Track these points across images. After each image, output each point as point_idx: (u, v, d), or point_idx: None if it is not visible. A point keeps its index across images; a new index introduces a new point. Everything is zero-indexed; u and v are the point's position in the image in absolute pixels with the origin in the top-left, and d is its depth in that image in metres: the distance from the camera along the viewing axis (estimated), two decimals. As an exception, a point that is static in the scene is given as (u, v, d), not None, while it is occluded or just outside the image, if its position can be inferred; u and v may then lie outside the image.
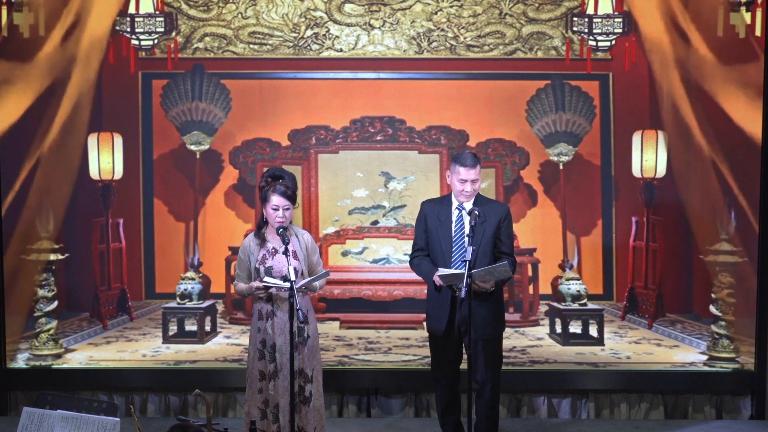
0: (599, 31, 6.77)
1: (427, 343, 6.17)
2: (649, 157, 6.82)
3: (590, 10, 6.76)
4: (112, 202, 6.90)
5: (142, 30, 6.82)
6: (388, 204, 6.93)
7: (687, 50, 6.71)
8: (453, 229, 5.78)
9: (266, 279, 5.46)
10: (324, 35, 6.84)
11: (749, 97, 6.68)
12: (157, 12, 6.82)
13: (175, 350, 6.94)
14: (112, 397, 6.90)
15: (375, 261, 6.98)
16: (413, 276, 6.30)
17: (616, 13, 6.76)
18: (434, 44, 6.83)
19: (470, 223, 5.62)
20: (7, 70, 6.77)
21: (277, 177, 5.58)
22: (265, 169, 5.98)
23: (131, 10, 6.80)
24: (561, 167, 6.88)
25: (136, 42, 6.82)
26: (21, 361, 6.91)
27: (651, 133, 6.83)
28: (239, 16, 6.84)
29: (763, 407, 6.80)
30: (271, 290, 5.50)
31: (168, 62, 6.86)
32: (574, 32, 6.80)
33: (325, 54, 6.84)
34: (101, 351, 6.93)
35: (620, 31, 6.77)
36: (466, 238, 5.60)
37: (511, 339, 6.81)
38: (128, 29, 6.81)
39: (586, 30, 6.78)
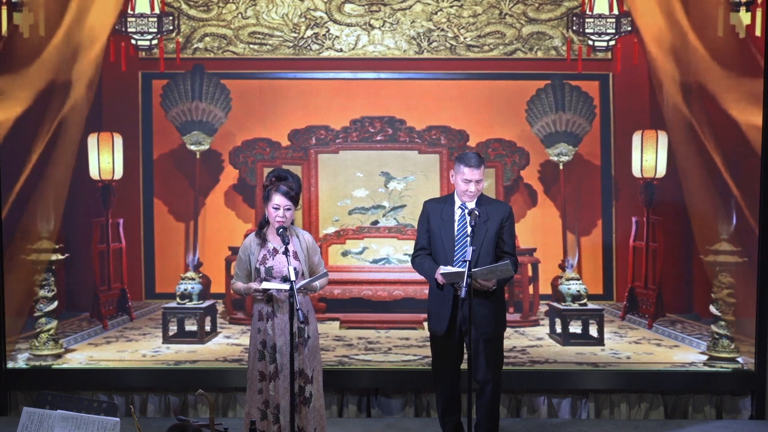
0: (599, 31, 6.78)
1: (428, 343, 6.17)
2: (649, 157, 6.82)
3: (590, 11, 6.76)
4: (112, 202, 6.90)
5: (141, 30, 6.81)
6: (388, 204, 6.94)
7: (687, 50, 6.72)
8: (455, 228, 5.79)
9: (265, 282, 5.46)
10: (324, 35, 6.84)
11: (749, 97, 6.69)
12: (157, 12, 6.82)
13: (175, 350, 6.94)
14: (112, 397, 6.90)
15: (375, 261, 6.98)
16: (413, 276, 6.30)
17: (616, 13, 6.76)
18: (434, 44, 6.83)
19: (470, 223, 5.62)
20: (7, 71, 6.77)
21: (281, 177, 5.58)
22: (268, 170, 5.98)
23: (132, 10, 6.80)
24: (561, 167, 6.88)
25: (138, 42, 6.82)
26: (21, 361, 6.91)
27: (651, 133, 6.83)
28: (239, 16, 6.85)
29: (763, 407, 6.81)
30: (270, 291, 5.50)
31: (167, 62, 6.85)
32: (574, 32, 6.80)
33: (325, 54, 6.84)
34: (101, 351, 6.93)
35: (620, 30, 6.77)
36: (468, 238, 5.60)
37: (511, 339, 6.81)
38: (128, 29, 6.81)
39: (585, 30, 6.78)
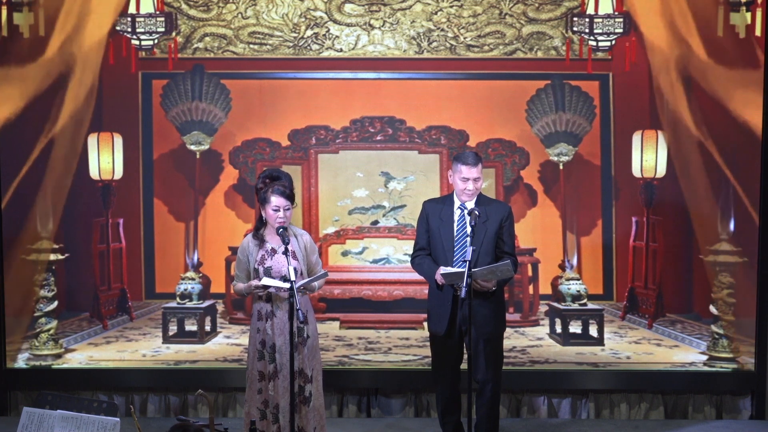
0: (599, 31, 6.78)
1: (427, 343, 6.17)
2: (649, 157, 6.82)
3: (590, 10, 6.77)
4: (112, 202, 6.90)
5: (142, 30, 6.82)
6: (388, 204, 6.94)
7: (687, 50, 6.71)
8: (455, 228, 5.79)
9: (265, 279, 5.46)
10: (324, 35, 6.84)
11: (749, 97, 6.68)
12: (157, 12, 6.82)
13: (175, 350, 6.94)
14: (112, 397, 6.90)
15: (375, 261, 6.98)
16: (413, 276, 6.30)
17: (616, 13, 6.76)
18: (434, 44, 6.83)
19: (470, 223, 5.63)
20: (7, 71, 6.77)
21: (274, 178, 5.58)
22: (264, 169, 5.98)
23: (131, 10, 6.80)
24: (561, 167, 6.88)
25: (137, 42, 6.82)
26: (21, 361, 6.91)
27: (651, 133, 6.83)
28: (239, 16, 6.85)
29: (763, 407, 6.80)
30: (270, 290, 5.50)
31: (168, 62, 6.86)
32: (574, 32, 6.80)
33: (325, 54, 6.84)
34: (101, 351, 6.93)
35: (620, 31, 6.77)
36: (468, 238, 5.61)
37: (511, 339, 6.81)
38: (128, 29, 6.81)
39: (585, 30, 6.78)
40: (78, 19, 6.76)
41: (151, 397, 6.94)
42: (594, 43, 6.78)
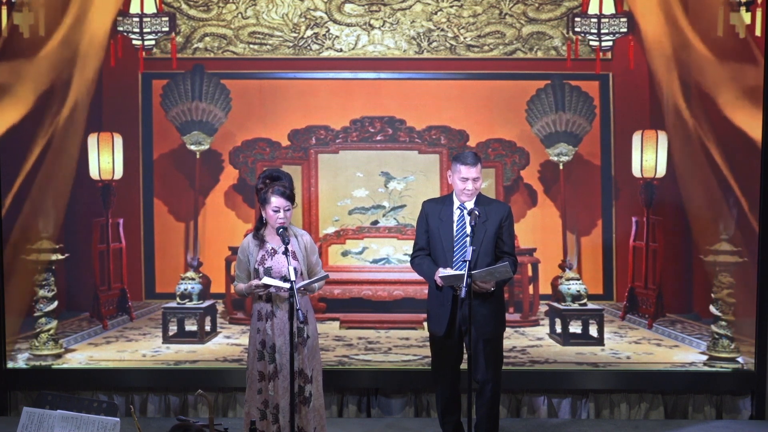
0: (605, 30, 6.77)
1: (427, 343, 6.17)
2: (649, 157, 6.82)
3: (592, 10, 6.76)
4: (112, 202, 6.90)
5: (148, 30, 6.81)
6: (388, 204, 6.94)
7: (687, 50, 6.72)
8: (454, 228, 5.79)
9: (266, 278, 5.45)
10: (324, 35, 6.84)
11: (749, 97, 6.69)
12: (160, 12, 6.82)
13: (175, 350, 6.94)
14: (112, 397, 6.90)
15: (375, 261, 6.98)
16: (413, 276, 6.30)
17: (619, 13, 6.76)
18: (434, 44, 6.83)
19: (470, 223, 5.63)
20: (8, 71, 6.77)
21: (274, 178, 5.58)
22: (264, 169, 5.98)
23: (134, 9, 6.80)
24: (561, 167, 6.88)
25: (139, 42, 6.82)
26: (21, 361, 6.91)
27: (651, 133, 6.83)
28: (239, 16, 6.85)
29: (763, 407, 6.81)
30: (270, 290, 5.50)
31: (169, 62, 6.86)
32: (575, 32, 6.80)
33: (325, 54, 6.85)
34: (101, 351, 6.93)
35: (624, 30, 6.77)
36: (467, 238, 5.61)
37: (511, 339, 6.81)
38: (128, 29, 6.81)
39: (589, 30, 6.78)
40: (78, 19, 6.76)
41: (151, 397, 6.94)
42: (597, 43, 6.78)
